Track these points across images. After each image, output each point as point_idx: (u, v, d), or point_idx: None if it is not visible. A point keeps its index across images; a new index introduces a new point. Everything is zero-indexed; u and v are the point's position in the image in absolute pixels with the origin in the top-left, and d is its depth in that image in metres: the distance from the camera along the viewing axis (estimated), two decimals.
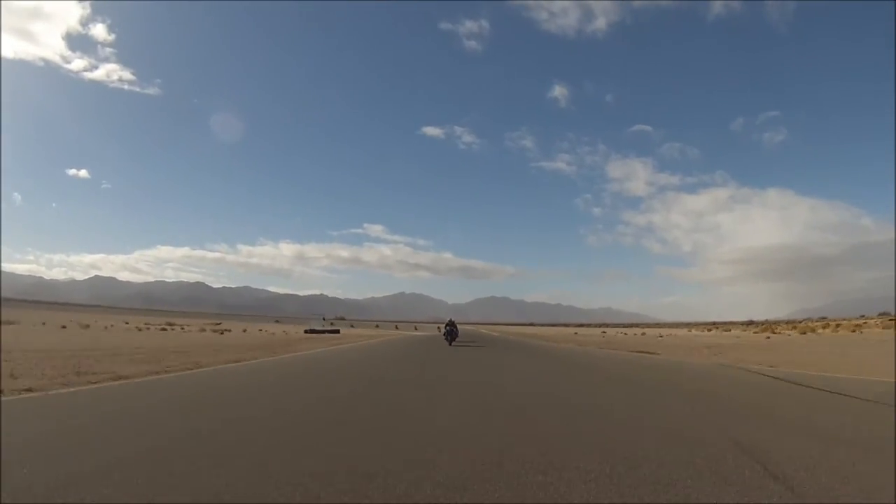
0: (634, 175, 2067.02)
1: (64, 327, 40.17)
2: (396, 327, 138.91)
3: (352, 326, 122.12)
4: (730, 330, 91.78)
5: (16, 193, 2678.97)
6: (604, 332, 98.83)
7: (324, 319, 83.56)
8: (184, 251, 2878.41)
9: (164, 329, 48.52)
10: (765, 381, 12.58)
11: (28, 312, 79.80)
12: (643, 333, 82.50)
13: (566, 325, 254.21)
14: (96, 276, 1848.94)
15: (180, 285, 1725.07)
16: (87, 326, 43.78)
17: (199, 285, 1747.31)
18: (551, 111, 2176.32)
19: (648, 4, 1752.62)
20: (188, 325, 60.85)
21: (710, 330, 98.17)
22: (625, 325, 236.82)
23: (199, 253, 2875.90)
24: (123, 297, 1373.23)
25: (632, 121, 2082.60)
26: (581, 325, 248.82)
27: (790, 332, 61.70)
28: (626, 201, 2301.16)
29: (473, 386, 10.71)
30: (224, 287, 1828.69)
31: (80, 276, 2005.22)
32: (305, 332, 63.07)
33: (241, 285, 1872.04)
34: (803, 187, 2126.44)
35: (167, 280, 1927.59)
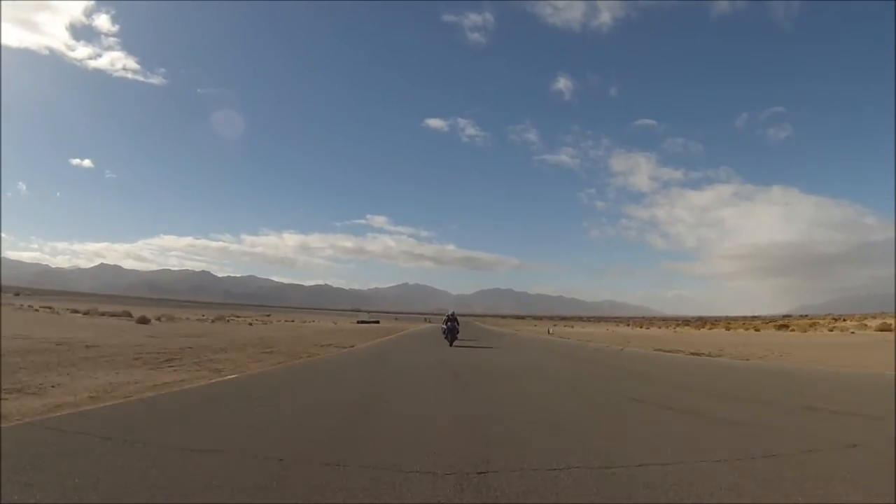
0: (638, 169, 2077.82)
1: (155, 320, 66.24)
2: (427, 320, 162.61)
3: (396, 319, 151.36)
4: (648, 327, 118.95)
5: (21, 183, 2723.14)
6: (555, 324, 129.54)
7: (367, 314, 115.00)
8: (187, 240, 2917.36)
9: (226, 321, 71.93)
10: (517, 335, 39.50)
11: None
12: (571, 327, 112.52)
13: (556, 318, 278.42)
14: (102, 264, 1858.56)
15: (186, 274, 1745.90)
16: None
17: (204, 274, 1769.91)
18: (555, 104, 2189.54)
19: (653, 4, 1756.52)
20: (246, 317, 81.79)
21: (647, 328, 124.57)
22: (627, 319, 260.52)
23: (202, 242, 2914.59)
24: (129, 284, 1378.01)
25: (636, 115, 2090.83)
26: (563, 319, 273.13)
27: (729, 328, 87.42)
28: (630, 196, 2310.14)
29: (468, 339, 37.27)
30: (229, 276, 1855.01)
31: (84, 264, 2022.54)
32: (357, 322, 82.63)
33: (245, 274, 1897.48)
34: (808, 185, 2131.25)
35: (172, 268, 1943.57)
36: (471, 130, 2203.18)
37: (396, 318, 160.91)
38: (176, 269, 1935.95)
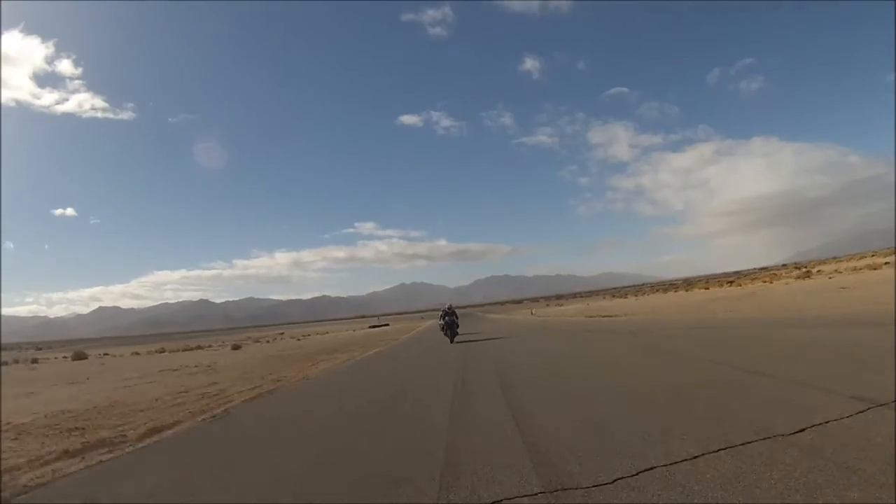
0: (616, 139, 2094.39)
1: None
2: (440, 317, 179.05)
3: (422, 318, 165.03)
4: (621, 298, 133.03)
5: (8, 242, 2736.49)
6: (547, 304, 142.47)
7: (378, 319, 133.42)
8: (181, 273, 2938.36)
9: (266, 342, 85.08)
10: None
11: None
12: (560, 305, 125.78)
13: (552, 299, 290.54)
14: (100, 308, 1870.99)
15: (184, 305, 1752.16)
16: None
17: (202, 303, 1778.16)
18: (525, 85, 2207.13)
19: None
20: (268, 337, 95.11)
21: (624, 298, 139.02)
22: (621, 289, 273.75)
23: (195, 273, 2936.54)
24: (130, 323, 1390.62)
25: (607, 84, 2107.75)
26: (560, 298, 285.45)
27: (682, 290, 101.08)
28: (612, 167, 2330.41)
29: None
30: (227, 301, 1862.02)
31: (82, 310, 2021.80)
32: (370, 326, 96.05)
33: (243, 297, 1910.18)
34: (787, 133, 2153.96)
35: (170, 301, 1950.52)
36: (445, 122, 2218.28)
37: (422, 317, 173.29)
38: (173, 301, 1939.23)
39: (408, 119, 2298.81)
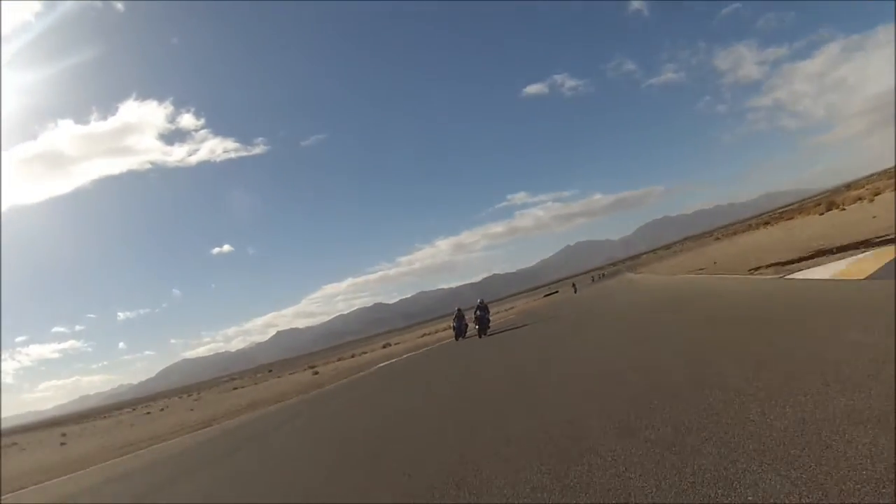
0: (743, 60, 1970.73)
1: None
2: (592, 278, 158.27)
3: (591, 281, 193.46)
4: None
5: (174, 289, 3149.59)
6: (682, 248, 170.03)
7: (548, 288, 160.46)
8: (347, 282, 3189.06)
9: None
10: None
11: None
12: (691, 250, 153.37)
13: (715, 232, 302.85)
14: (278, 333, 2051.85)
15: (359, 312, 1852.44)
16: None
17: (377, 306, 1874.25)
18: (638, 26, 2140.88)
19: None
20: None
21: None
22: (781, 210, 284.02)
23: (362, 279, 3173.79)
24: (310, 340, 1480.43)
25: (719, 5, 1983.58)
26: (719, 230, 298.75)
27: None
28: (746, 89, 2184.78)
29: None
30: (401, 299, 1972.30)
31: (260, 339, 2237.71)
32: (544, 296, 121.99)
33: (415, 293, 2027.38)
34: None
35: (344, 312, 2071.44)
36: (570, 83, 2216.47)
37: (592, 279, 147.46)
38: (347, 311, 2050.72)
39: (533, 89, 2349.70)
